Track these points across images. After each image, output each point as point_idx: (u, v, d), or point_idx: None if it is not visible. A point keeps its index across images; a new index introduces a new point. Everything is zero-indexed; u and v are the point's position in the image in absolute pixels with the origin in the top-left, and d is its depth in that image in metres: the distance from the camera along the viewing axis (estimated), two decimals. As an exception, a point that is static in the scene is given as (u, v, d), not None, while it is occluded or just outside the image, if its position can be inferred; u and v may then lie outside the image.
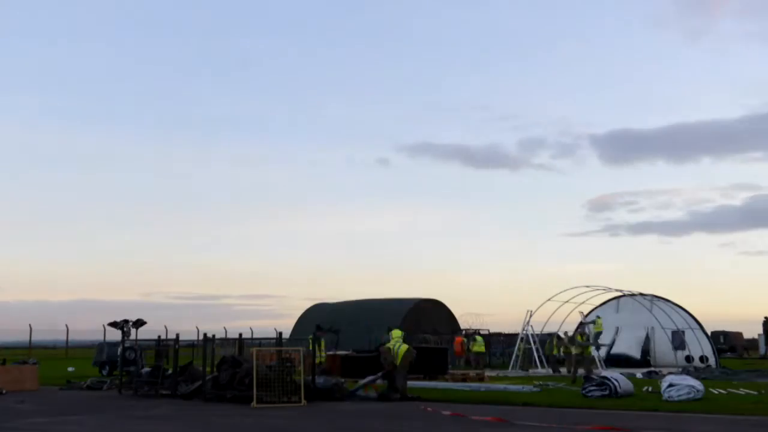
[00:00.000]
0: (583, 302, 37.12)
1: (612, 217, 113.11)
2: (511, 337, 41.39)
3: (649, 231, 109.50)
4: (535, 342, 32.69)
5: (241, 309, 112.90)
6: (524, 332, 33.13)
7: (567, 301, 36.02)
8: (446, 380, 23.15)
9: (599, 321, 31.27)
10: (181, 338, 20.42)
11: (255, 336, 31.80)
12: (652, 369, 29.05)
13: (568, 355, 26.10)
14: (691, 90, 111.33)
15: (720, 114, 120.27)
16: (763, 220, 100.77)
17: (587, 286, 34.97)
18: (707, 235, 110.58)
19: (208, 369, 18.67)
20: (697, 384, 16.25)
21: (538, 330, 34.57)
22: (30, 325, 41.83)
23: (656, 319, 34.80)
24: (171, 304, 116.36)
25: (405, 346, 17.55)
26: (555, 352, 29.94)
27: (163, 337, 23.30)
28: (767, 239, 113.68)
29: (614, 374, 18.39)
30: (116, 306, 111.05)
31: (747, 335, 58.84)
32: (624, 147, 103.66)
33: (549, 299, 34.92)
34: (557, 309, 35.79)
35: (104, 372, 29.51)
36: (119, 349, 24.05)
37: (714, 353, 34.82)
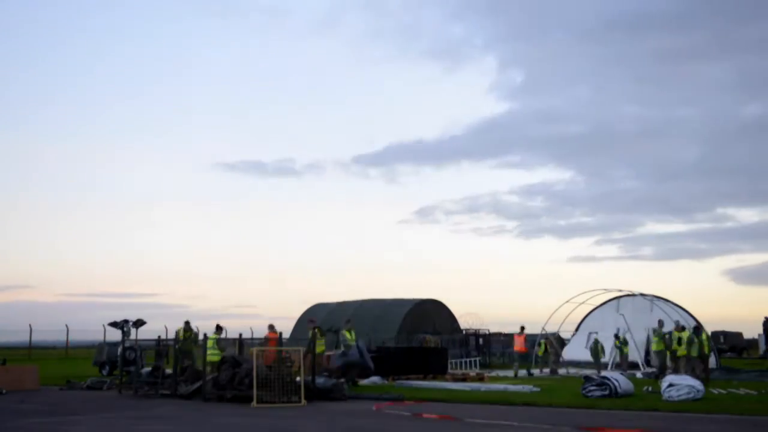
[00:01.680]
0: (602, 304, 37.58)
1: (439, 220, 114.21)
2: (510, 337, 41.45)
3: (501, 233, 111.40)
4: (552, 344, 32.92)
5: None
6: (543, 332, 33.62)
7: (583, 303, 36.60)
8: (446, 380, 23.17)
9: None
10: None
11: (255, 336, 31.79)
12: (653, 369, 29.00)
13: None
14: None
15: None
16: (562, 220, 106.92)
17: (605, 289, 35.70)
18: (559, 239, 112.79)
19: (208, 369, 18.67)
20: (697, 384, 16.26)
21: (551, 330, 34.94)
22: (30, 325, 41.88)
23: (656, 319, 34.79)
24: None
25: None
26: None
27: (163, 337, 23.29)
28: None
29: (614, 374, 18.41)
30: (117, 305, 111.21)
31: (747, 335, 58.86)
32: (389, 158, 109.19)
33: (567, 301, 35.62)
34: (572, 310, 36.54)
35: (104, 372, 29.49)
36: (119, 349, 24.05)
37: (714, 353, 34.76)
